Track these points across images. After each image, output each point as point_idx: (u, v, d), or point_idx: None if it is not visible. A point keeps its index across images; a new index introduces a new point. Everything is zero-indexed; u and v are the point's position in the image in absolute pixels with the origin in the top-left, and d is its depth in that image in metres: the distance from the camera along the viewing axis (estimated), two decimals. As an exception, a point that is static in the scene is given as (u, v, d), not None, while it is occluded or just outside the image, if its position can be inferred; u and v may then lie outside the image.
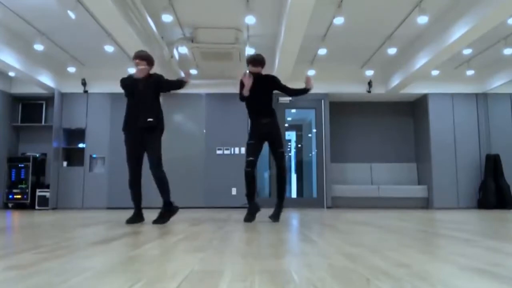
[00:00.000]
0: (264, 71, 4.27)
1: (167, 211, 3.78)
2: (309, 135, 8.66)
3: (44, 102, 8.34)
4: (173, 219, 4.39)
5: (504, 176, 7.84)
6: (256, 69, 4.11)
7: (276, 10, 5.74)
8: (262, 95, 4.11)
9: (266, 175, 8.31)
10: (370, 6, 5.64)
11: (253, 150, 4.07)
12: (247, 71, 4.13)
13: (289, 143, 9.14)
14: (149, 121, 3.79)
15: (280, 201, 4.16)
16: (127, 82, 3.90)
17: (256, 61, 4.10)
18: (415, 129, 8.84)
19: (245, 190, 4.23)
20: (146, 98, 3.83)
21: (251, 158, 4.07)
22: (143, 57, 3.89)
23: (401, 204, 8.21)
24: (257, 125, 4.09)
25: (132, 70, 7.81)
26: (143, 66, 3.87)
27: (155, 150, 3.81)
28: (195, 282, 1.20)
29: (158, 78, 3.95)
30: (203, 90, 8.14)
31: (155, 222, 3.71)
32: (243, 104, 4.31)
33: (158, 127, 3.87)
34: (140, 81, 3.88)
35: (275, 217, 4.07)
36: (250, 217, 4.06)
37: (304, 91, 4.10)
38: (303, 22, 5.02)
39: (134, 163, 3.81)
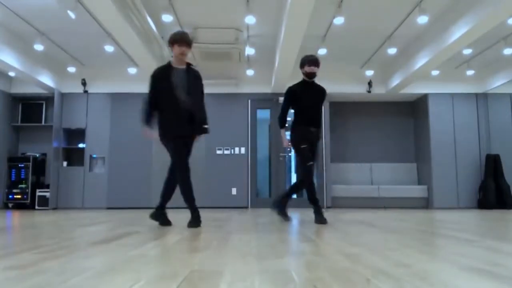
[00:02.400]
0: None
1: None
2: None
3: (44, 102, 8.34)
4: (173, 219, 4.38)
5: (504, 176, 7.85)
6: (312, 69, 4.08)
7: (276, 10, 5.74)
8: (316, 104, 4.11)
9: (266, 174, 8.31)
10: (370, 6, 5.64)
11: (310, 154, 4.03)
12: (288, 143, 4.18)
13: (289, 143, 9.12)
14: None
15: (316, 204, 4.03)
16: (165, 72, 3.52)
17: (313, 61, 4.09)
18: (415, 129, 8.84)
19: (289, 195, 4.23)
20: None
21: (311, 163, 3.99)
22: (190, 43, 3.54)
23: (401, 204, 8.21)
24: (307, 132, 4.07)
25: (133, 71, 7.83)
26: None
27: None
28: (195, 282, 1.20)
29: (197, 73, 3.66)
30: (203, 90, 8.12)
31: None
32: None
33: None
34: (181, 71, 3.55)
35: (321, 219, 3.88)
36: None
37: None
38: (303, 22, 5.02)
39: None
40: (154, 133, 3.59)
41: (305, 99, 4.06)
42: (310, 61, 4.10)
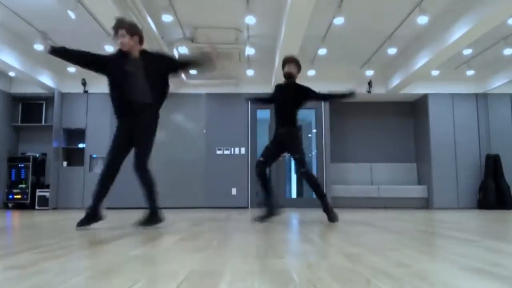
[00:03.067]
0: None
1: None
2: (309, 135, 8.65)
3: (44, 102, 8.34)
4: (174, 219, 4.38)
5: (504, 176, 7.84)
6: (288, 69, 4.08)
7: (276, 10, 5.74)
8: (287, 105, 4.11)
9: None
10: (370, 6, 5.64)
11: (266, 152, 4.14)
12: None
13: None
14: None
15: (322, 201, 3.90)
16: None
17: (288, 60, 4.08)
18: (415, 129, 8.84)
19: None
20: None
21: (260, 159, 4.11)
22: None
23: (401, 204, 8.20)
24: (275, 134, 4.17)
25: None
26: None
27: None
28: (195, 282, 1.20)
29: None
30: (203, 90, 8.14)
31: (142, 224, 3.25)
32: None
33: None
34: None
35: (329, 217, 3.85)
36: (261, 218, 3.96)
37: (344, 96, 4.21)
38: (303, 22, 5.02)
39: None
40: None
41: (277, 100, 4.15)
42: (285, 61, 4.12)
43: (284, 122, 4.07)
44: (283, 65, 4.14)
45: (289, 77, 4.12)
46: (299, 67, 4.16)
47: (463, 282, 1.20)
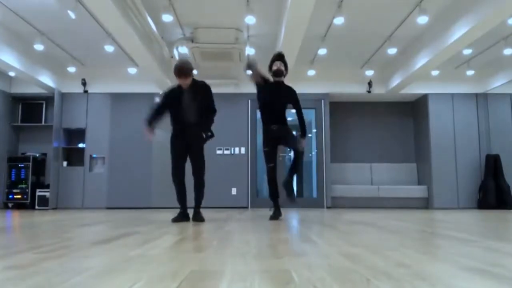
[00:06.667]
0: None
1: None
2: (309, 135, 8.65)
3: (44, 102, 8.35)
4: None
5: (504, 176, 7.84)
6: (277, 66, 4.32)
7: (276, 10, 5.74)
8: (279, 103, 4.29)
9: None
10: (370, 6, 5.64)
11: (272, 156, 4.35)
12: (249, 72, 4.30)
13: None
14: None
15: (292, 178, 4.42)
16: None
17: (278, 57, 4.32)
18: (415, 129, 8.84)
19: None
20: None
21: (271, 165, 4.33)
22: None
23: (401, 204, 8.21)
24: (268, 131, 4.32)
25: (133, 71, 7.84)
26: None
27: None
28: (195, 282, 1.20)
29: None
30: (203, 90, 8.13)
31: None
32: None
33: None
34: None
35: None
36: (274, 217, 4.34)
37: (302, 132, 4.38)
38: (303, 22, 5.02)
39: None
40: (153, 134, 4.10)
41: (267, 96, 4.27)
42: (275, 58, 4.33)
43: (277, 120, 4.29)
44: (272, 62, 4.33)
45: (278, 75, 4.28)
46: (287, 67, 4.36)
47: (463, 282, 1.20)
